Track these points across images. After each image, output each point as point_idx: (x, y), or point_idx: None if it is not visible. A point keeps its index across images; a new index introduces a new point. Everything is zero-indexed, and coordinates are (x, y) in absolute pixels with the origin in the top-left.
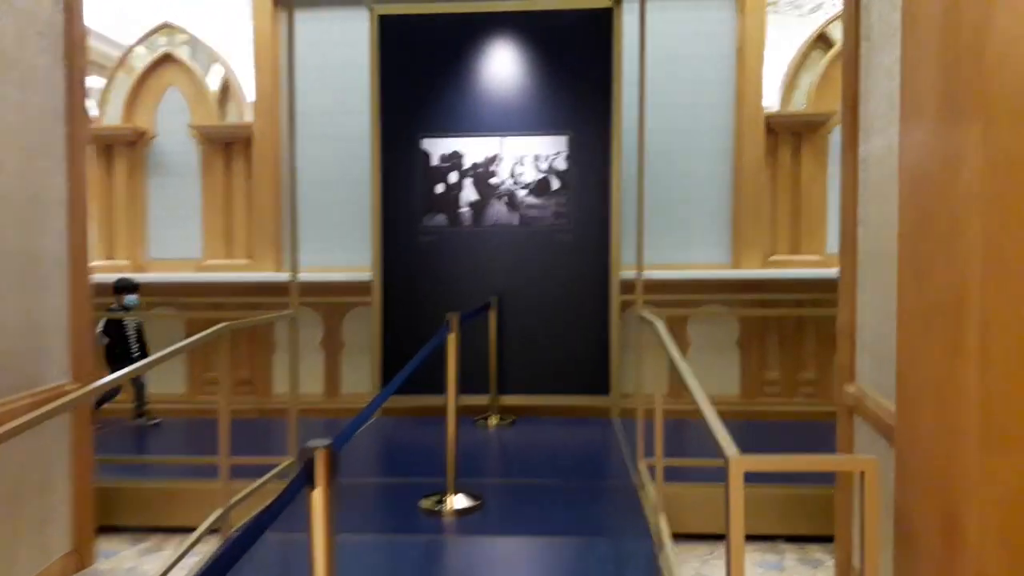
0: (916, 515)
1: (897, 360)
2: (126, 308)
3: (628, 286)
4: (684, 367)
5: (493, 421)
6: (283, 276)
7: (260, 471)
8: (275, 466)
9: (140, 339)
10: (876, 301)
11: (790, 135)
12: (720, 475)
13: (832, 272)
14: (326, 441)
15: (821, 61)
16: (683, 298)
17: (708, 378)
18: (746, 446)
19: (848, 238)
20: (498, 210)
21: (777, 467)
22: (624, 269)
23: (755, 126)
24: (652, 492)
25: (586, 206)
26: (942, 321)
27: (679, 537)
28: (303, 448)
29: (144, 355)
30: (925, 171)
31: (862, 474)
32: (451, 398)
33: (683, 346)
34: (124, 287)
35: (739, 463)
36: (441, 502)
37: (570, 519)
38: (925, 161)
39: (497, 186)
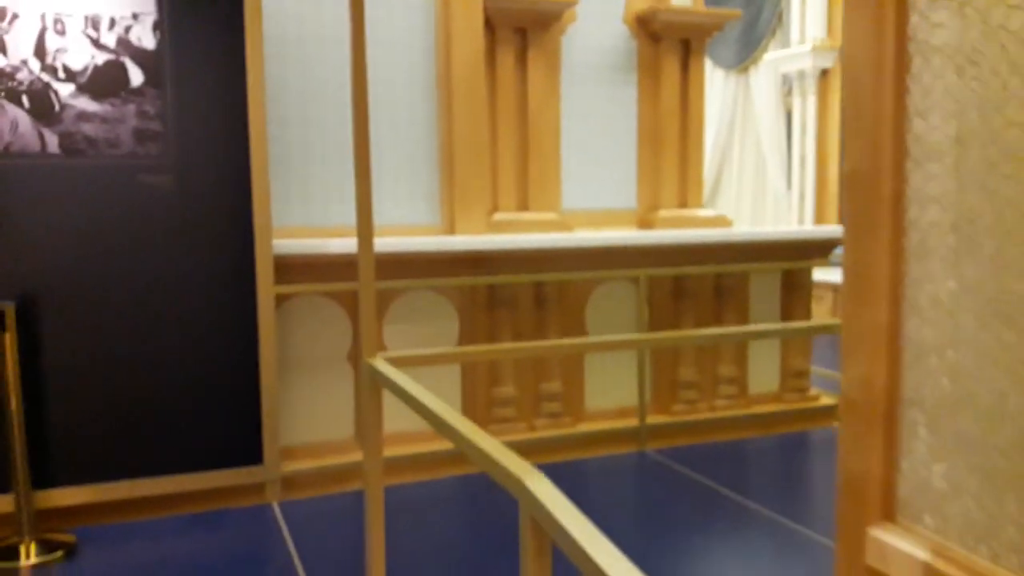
0: None
1: None
2: None
3: (288, 265)
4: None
5: (28, 555)
6: None
7: None
8: None
9: None
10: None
11: (512, 32)
12: None
13: (579, 239)
14: None
15: None
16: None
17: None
18: None
19: (874, 152)
20: (12, 123)
21: None
22: (280, 236)
23: (470, 13)
24: None
25: (199, 123)
26: None
27: None
28: None
29: None
30: None
31: None
32: None
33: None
34: None
35: None
36: None
37: None
38: None
39: (8, 75)
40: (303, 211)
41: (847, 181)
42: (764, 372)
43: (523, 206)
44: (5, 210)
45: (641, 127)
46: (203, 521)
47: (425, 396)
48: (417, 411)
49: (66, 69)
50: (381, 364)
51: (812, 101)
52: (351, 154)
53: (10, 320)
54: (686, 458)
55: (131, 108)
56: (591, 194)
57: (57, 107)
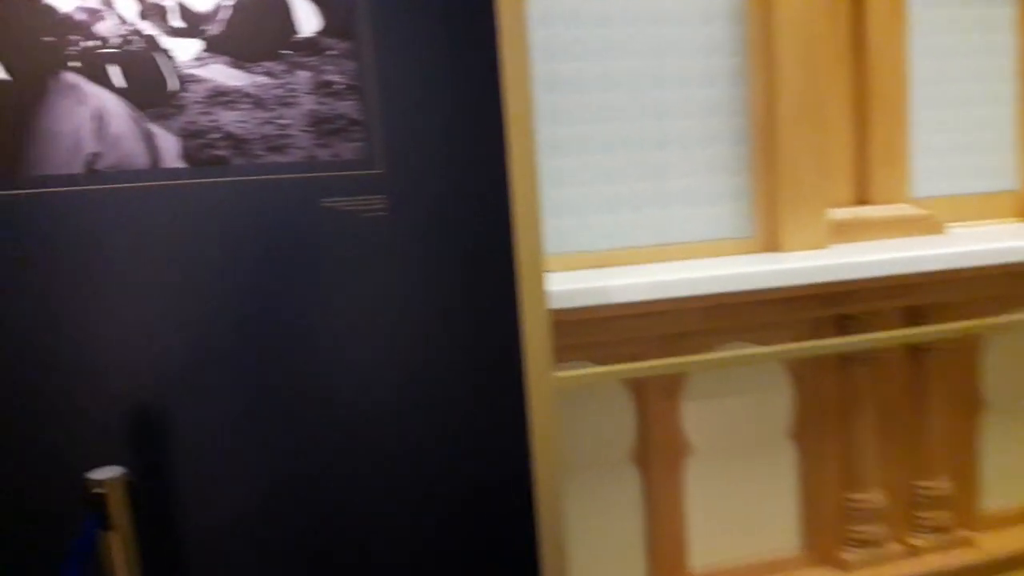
0: None
1: None
2: None
3: (570, 322)
4: None
5: None
6: None
7: None
8: None
9: None
10: None
11: None
12: None
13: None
14: None
15: None
16: (658, 333)
17: (758, 526)
18: None
19: None
20: (97, 116)
21: None
22: (559, 278)
23: None
24: None
25: (425, 100)
26: None
27: None
28: None
29: None
30: None
31: None
32: None
33: (673, 449)
34: None
35: None
36: None
37: None
38: None
39: (82, 28)
40: (576, 228)
41: None
42: None
43: (861, 196)
44: (97, 273)
45: (1020, 66)
46: None
47: None
48: None
49: (185, 12)
50: None
51: None
52: (640, 129)
53: (116, 504)
54: None
55: (303, 77)
56: (950, 171)
57: (173, 83)
